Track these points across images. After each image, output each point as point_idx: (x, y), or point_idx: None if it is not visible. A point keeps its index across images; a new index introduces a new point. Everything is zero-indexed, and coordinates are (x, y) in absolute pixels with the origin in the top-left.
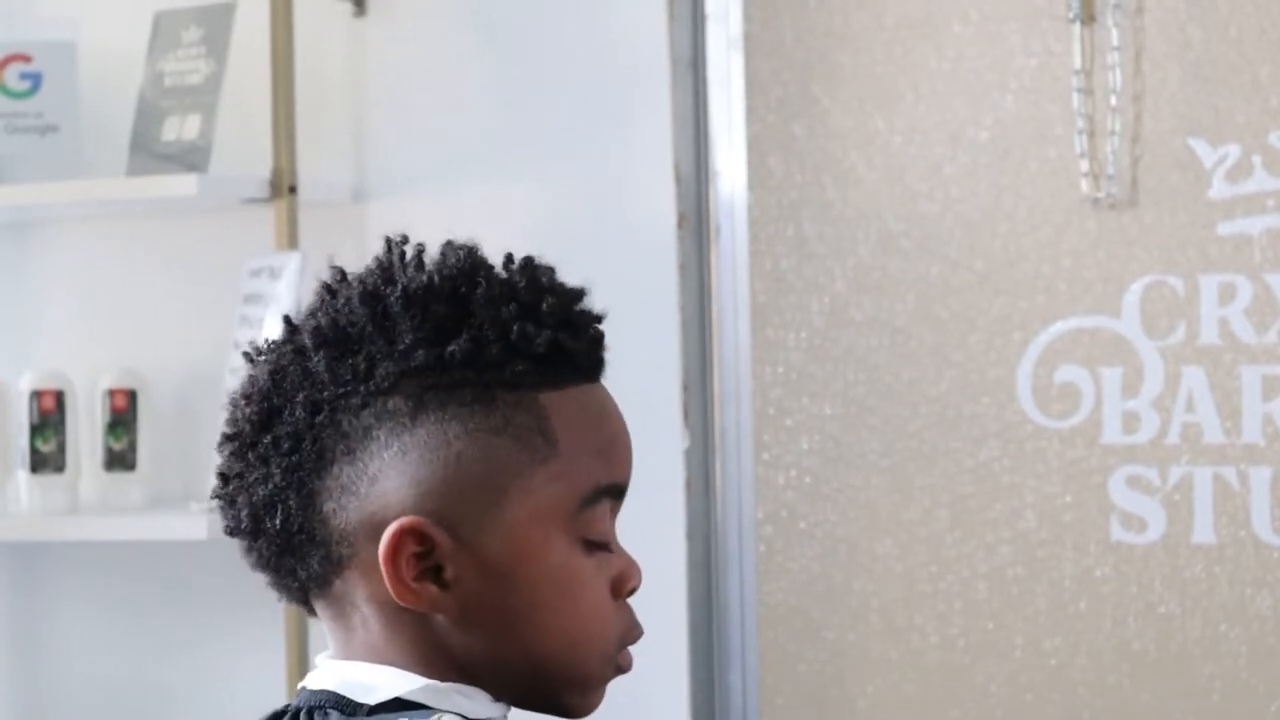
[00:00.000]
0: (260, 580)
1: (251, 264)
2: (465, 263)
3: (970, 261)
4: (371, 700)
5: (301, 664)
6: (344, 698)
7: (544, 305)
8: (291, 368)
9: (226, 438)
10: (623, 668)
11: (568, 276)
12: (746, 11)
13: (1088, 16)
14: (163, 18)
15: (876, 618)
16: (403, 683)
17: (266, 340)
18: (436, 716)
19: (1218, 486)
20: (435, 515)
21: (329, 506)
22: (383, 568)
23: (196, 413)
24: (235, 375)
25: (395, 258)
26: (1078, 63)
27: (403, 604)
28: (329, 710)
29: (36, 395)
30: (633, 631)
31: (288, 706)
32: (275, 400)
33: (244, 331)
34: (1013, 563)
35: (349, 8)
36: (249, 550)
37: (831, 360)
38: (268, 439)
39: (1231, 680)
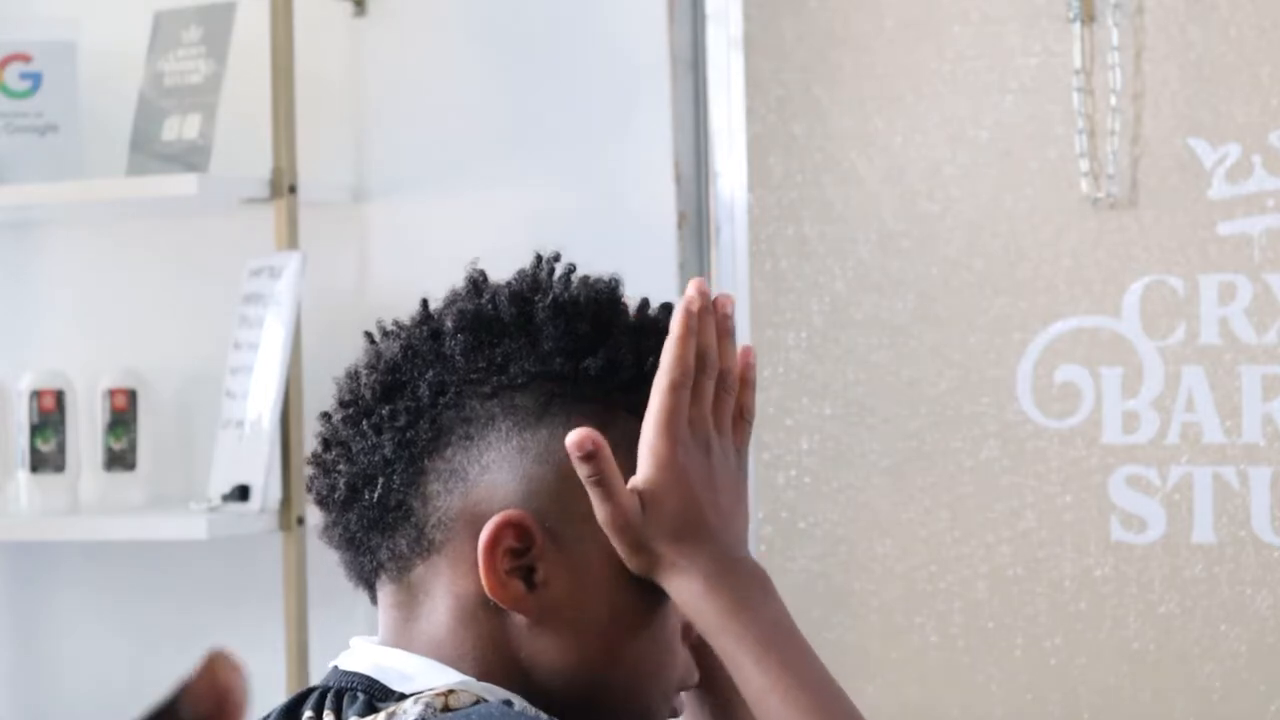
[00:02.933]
0: (259, 580)
1: (251, 264)
2: (609, 291)
3: (970, 261)
4: (407, 689)
5: (301, 664)
6: (377, 682)
7: (651, 342)
8: (424, 346)
9: (342, 404)
10: (676, 711)
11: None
12: (746, 11)
13: (1088, 16)
14: (163, 18)
15: (876, 618)
16: (439, 676)
17: (396, 320)
18: (448, 689)
19: (1218, 486)
20: (539, 515)
21: (434, 487)
22: (480, 554)
23: (196, 413)
24: (235, 375)
25: (545, 271)
26: (1078, 63)
27: (490, 595)
28: (359, 693)
29: (36, 395)
30: (691, 676)
31: (315, 686)
32: (401, 374)
33: (244, 331)
34: (1013, 563)
35: (349, 8)
36: (333, 524)
37: (831, 360)
38: (386, 409)
39: (1231, 680)
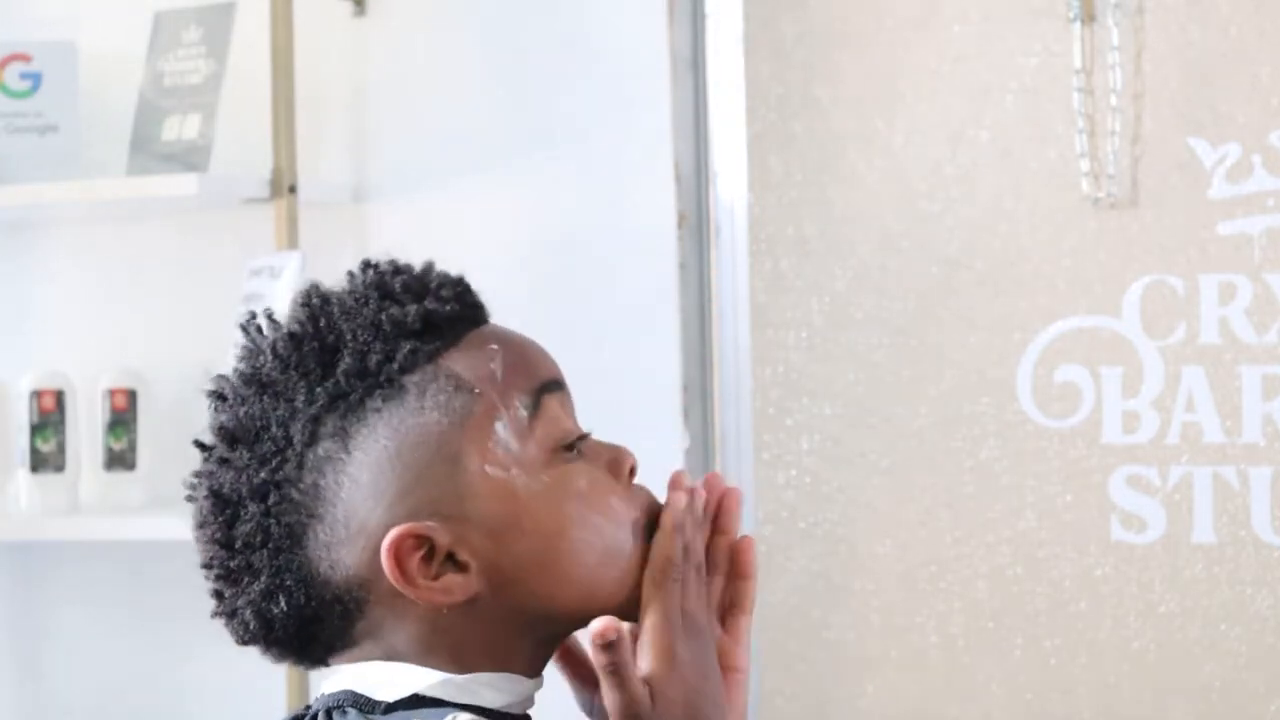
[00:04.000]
0: None
1: (251, 264)
2: (309, 299)
3: (970, 261)
4: (389, 697)
5: None
6: (361, 696)
7: (397, 287)
8: (224, 476)
9: (205, 566)
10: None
11: (569, 277)
12: (746, 11)
13: (1088, 16)
14: (163, 18)
15: (876, 618)
16: (420, 678)
17: (191, 474)
18: (451, 715)
19: (1218, 486)
20: (414, 514)
21: (324, 568)
22: (401, 587)
23: (196, 413)
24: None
25: (253, 332)
26: (1078, 63)
27: (443, 605)
28: (347, 709)
29: (36, 395)
30: (654, 504)
31: (308, 708)
32: (228, 510)
33: None
34: (1013, 563)
35: (349, 8)
36: (267, 649)
37: (831, 360)
38: (239, 545)
39: (1231, 680)
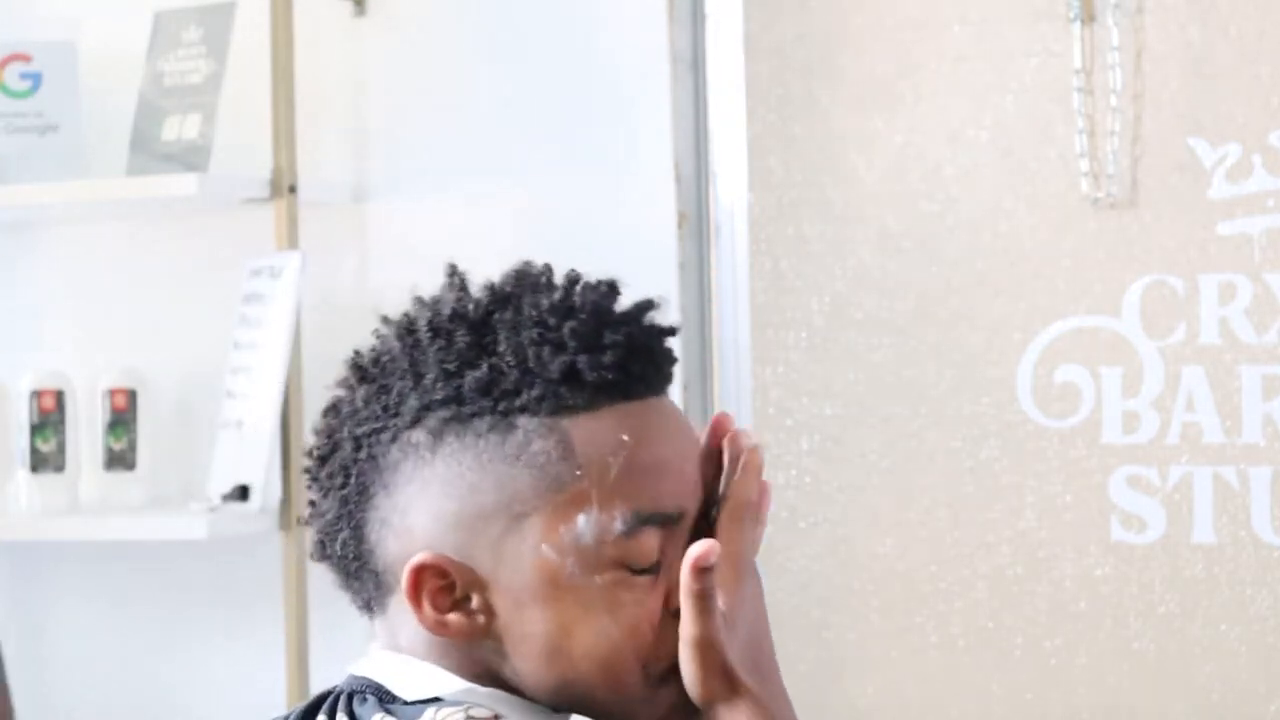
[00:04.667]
0: (259, 580)
1: (251, 264)
2: (506, 286)
3: (970, 261)
4: (410, 695)
5: (301, 664)
6: (384, 687)
7: (567, 327)
8: (343, 402)
9: (304, 469)
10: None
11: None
12: (746, 11)
13: (1088, 16)
14: (163, 18)
15: (876, 618)
16: (446, 684)
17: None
18: (465, 708)
19: (1218, 486)
20: (455, 548)
21: (373, 538)
22: (408, 602)
23: (196, 413)
24: (235, 375)
25: (454, 284)
26: (1078, 63)
27: (434, 635)
28: (367, 695)
29: (36, 395)
30: (671, 648)
31: (335, 688)
32: (332, 435)
33: (244, 331)
34: (1013, 563)
35: (349, 8)
36: (329, 569)
37: (831, 360)
38: (325, 472)
39: (1231, 680)
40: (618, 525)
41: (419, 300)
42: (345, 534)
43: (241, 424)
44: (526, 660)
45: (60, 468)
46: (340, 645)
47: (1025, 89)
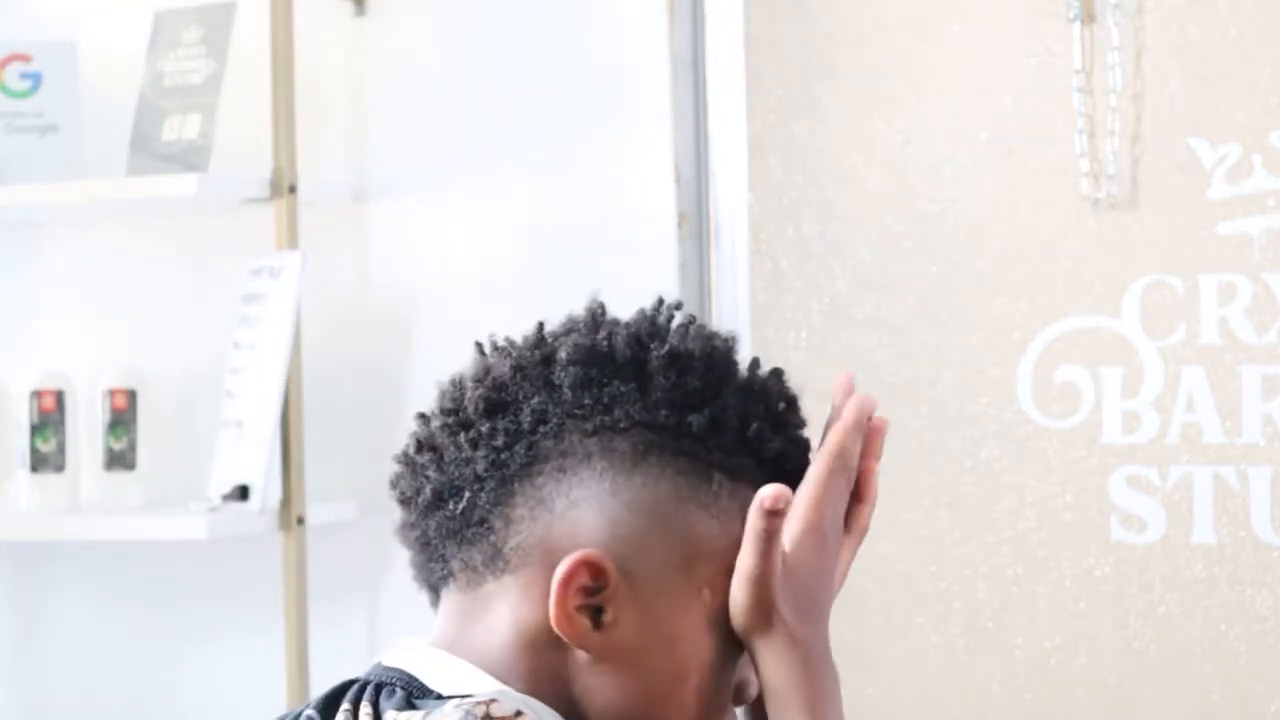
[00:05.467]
0: (259, 580)
1: (251, 264)
2: (724, 348)
3: (970, 261)
4: (445, 691)
5: (301, 664)
6: (416, 680)
7: (784, 414)
8: (534, 371)
9: (442, 411)
10: None
11: (569, 277)
12: (746, 11)
13: (1088, 16)
14: (163, 18)
15: (876, 618)
16: (478, 682)
17: (508, 337)
18: (490, 699)
19: (1218, 486)
20: (619, 559)
21: (520, 511)
22: (554, 586)
23: (196, 413)
24: (235, 375)
25: (664, 317)
26: (1078, 63)
27: (555, 627)
28: (397, 688)
29: (36, 395)
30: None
31: (356, 679)
32: (507, 394)
33: (244, 331)
34: (1013, 563)
35: (349, 7)
36: (412, 525)
37: (831, 360)
38: (485, 426)
39: (1231, 680)
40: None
41: (642, 319)
42: (483, 495)
43: (241, 424)
44: (615, 687)
45: (60, 468)
46: (340, 645)
47: (1025, 89)
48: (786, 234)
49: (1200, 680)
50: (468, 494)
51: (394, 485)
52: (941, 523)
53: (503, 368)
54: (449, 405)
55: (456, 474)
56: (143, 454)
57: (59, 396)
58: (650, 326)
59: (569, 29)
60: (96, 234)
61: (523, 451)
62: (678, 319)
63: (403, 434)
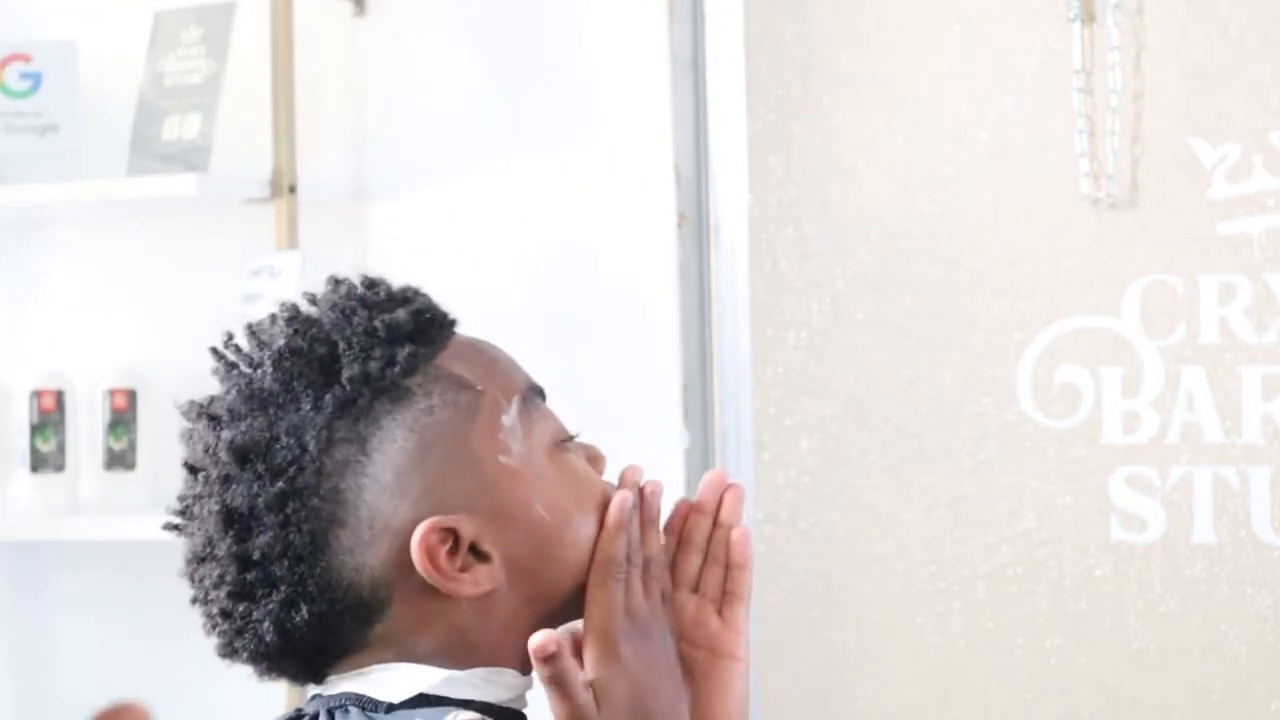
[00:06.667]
0: None
1: (251, 264)
2: (294, 315)
3: (970, 261)
4: (394, 697)
5: None
6: (365, 696)
7: (380, 296)
8: (233, 494)
9: (219, 584)
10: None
11: (569, 277)
12: (746, 11)
13: (1088, 16)
14: (163, 18)
15: (876, 618)
16: (424, 677)
17: (182, 500)
18: (452, 714)
19: (1218, 486)
20: (439, 508)
21: (349, 571)
22: (432, 579)
23: None
24: None
25: (236, 352)
26: (1078, 63)
27: (469, 598)
28: (349, 709)
29: (36, 395)
30: (608, 491)
31: (299, 711)
32: (238, 526)
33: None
34: (1013, 563)
35: (349, 8)
36: (276, 664)
37: (831, 360)
38: (256, 557)
39: (1231, 680)
40: (520, 410)
41: (230, 369)
42: (312, 591)
43: None
44: (541, 571)
45: (60, 468)
46: None
47: (1025, 89)
48: (786, 234)
49: (1200, 680)
50: (301, 603)
51: (250, 664)
52: (941, 523)
53: (212, 517)
54: (215, 580)
55: (278, 602)
56: (143, 454)
57: (59, 396)
58: (247, 363)
59: (569, 29)
60: (96, 234)
61: (301, 540)
62: (244, 342)
63: None
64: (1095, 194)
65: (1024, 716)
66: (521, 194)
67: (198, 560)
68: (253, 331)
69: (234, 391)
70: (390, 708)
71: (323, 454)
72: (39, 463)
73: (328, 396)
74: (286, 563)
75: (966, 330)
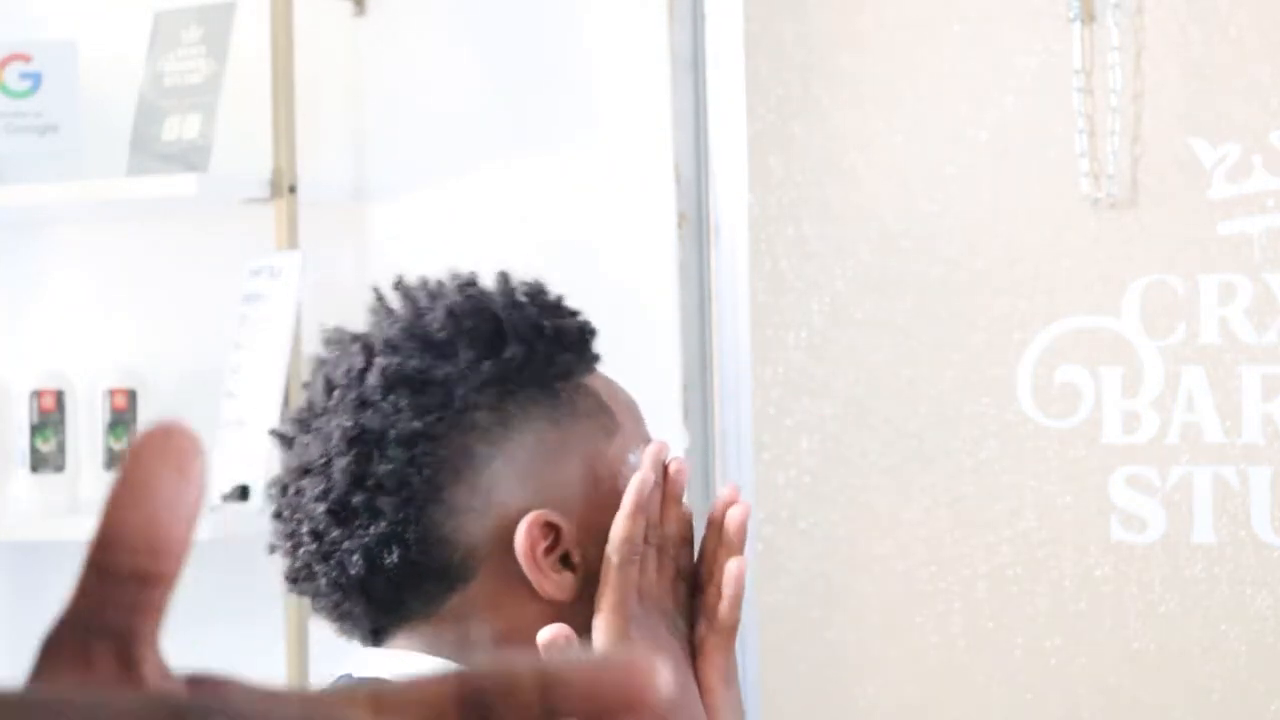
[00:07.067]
0: (259, 580)
1: (251, 264)
2: (471, 283)
3: (970, 261)
4: None
5: (301, 665)
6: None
7: (547, 299)
8: (370, 417)
9: (321, 499)
10: None
11: (569, 277)
12: (746, 11)
13: (1088, 16)
14: (163, 18)
15: (876, 618)
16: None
17: (295, 414)
18: None
19: (1218, 486)
20: (555, 506)
21: (449, 530)
22: (525, 565)
23: (196, 413)
24: (235, 375)
25: (406, 293)
26: (1078, 63)
27: (544, 599)
28: None
29: (36, 395)
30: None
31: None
32: (363, 449)
33: (244, 331)
34: (1013, 563)
35: (349, 8)
36: (348, 601)
37: (831, 360)
38: (370, 484)
39: (1231, 680)
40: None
41: (401, 312)
42: (409, 536)
43: (241, 424)
44: (594, 599)
45: (60, 468)
46: (340, 646)
47: (1025, 89)
48: (786, 234)
49: (1200, 680)
50: (396, 542)
51: (319, 581)
52: (941, 523)
53: (340, 433)
54: (321, 489)
55: (374, 534)
56: None
57: (59, 396)
58: (412, 312)
59: (569, 29)
60: (96, 234)
61: (418, 481)
62: (415, 289)
63: None
64: (1095, 194)
65: (1024, 716)
66: (521, 194)
67: (302, 472)
68: (424, 282)
69: (397, 327)
70: None
71: (466, 411)
72: (39, 463)
73: (487, 364)
74: (396, 499)
75: (966, 330)
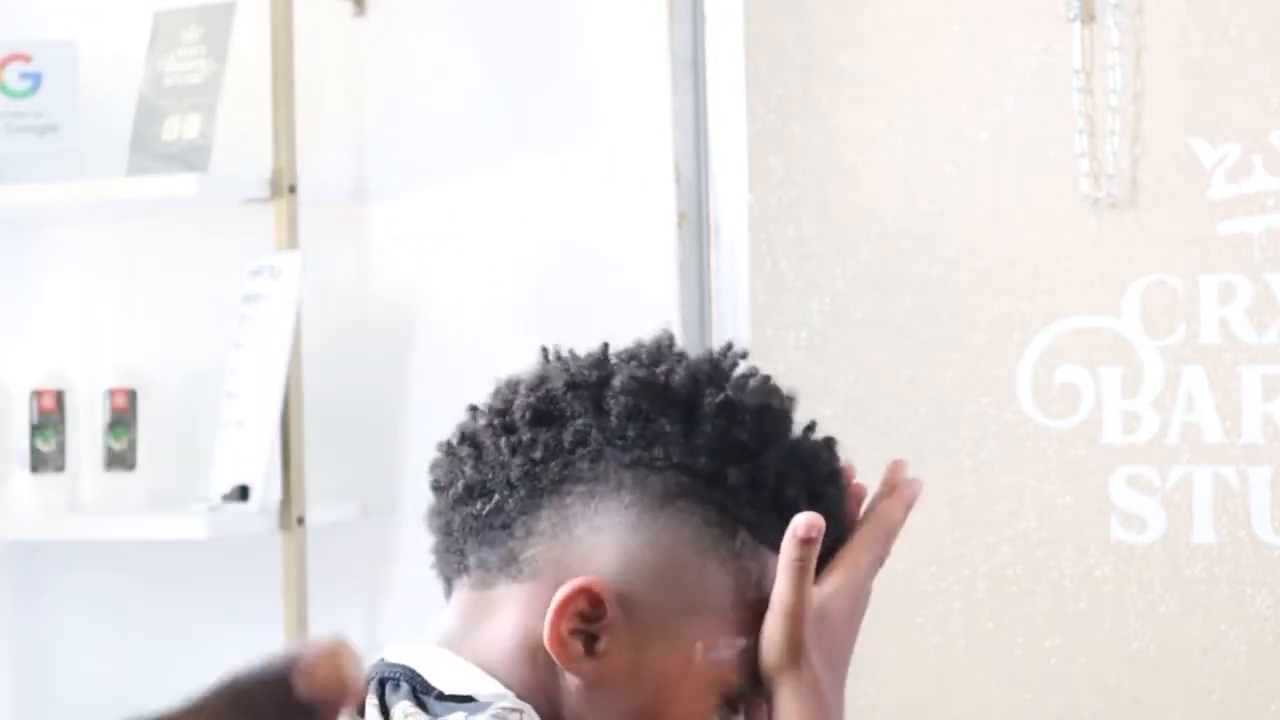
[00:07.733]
0: (259, 580)
1: (251, 264)
2: (781, 407)
3: (970, 261)
4: (448, 689)
5: None
6: (419, 675)
7: (823, 484)
8: (587, 391)
9: (493, 410)
10: None
11: (569, 277)
12: (746, 11)
13: (1088, 16)
14: (163, 18)
15: (876, 617)
16: (484, 685)
17: (572, 350)
18: (495, 710)
19: (1218, 486)
20: (624, 594)
21: (542, 525)
22: (551, 606)
23: (196, 413)
24: (235, 375)
25: (727, 363)
26: (1078, 63)
27: (546, 646)
28: (401, 682)
29: (36, 395)
30: None
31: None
32: (555, 408)
33: (244, 331)
34: (1013, 563)
35: (349, 7)
36: (441, 513)
37: (831, 360)
38: (527, 435)
39: (1231, 680)
40: (752, 670)
41: (701, 360)
42: (511, 501)
43: (241, 424)
44: (596, 715)
45: (60, 468)
46: None
47: (1025, 89)
48: (786, 234)
49: (1200, 680)
50: (497, 496)
51: (431, 470)
52: (941, 523)
53: (557, 381)
54: (498, 405)
55: (491, 474)
56: (143, 454)
57: (59, 396)
58: (711, 370)
59: (569, 29)
60: (96, 234)
61: (557, 468)
62: (741, 368)
63: (403, 434)
64: (1095, 194)
65: (1024, 716)
66: (521, 194)
67: (513, 385)
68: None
69: (691, 371)
70: (440, 695)
71: (650, 466)
72: (39, 463)
73: (707, 459)
74: (528, 464)
75: (966, 330)
